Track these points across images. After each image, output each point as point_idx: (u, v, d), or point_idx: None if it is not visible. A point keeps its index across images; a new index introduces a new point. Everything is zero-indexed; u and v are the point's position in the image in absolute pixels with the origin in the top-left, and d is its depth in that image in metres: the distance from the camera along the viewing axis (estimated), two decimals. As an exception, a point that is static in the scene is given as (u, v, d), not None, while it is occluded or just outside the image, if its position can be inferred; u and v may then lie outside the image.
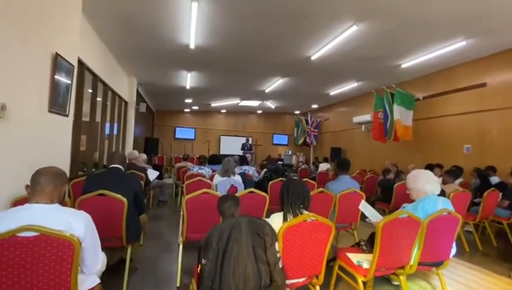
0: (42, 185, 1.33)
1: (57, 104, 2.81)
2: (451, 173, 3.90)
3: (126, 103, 7.27)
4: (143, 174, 3.98)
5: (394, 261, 1.93)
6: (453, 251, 2.14)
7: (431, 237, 1.97)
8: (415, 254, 1.98)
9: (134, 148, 6.95)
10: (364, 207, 2.29)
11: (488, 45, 4.89)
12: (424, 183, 2.12)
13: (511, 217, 3.63)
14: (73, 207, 2.06)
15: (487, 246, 3.67)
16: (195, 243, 1.49)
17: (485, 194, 3.60)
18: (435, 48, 5.08)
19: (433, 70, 6.38)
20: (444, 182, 3.80)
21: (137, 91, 8.02)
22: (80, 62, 3.81)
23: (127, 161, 4.43)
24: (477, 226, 3.93)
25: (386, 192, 4.43)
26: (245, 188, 3.16)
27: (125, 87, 7.20)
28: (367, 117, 8.29)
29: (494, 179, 4.49)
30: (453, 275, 2.71)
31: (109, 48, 5.41)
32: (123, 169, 2.56)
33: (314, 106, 11.94)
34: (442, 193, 2.93)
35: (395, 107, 6.37)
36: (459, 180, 4.58)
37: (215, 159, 5.44)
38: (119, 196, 2.15)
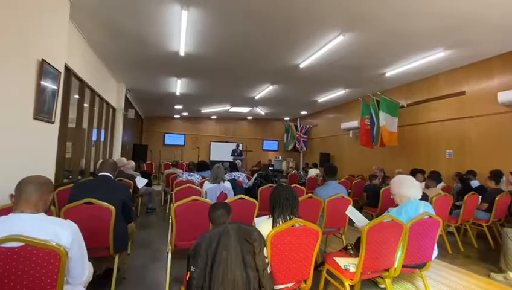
0: (27, 194, 1.32)
1: (42, 111, 2.77)
2: (433, 178, 4.05)
3: (114, 109, 7.17)
4: (131, 182, 3.92)
5: (379, 264, 1.99)
6: (435, 252, 2.22)
7: (413, 240, 2.05)
8: (399, 257, 2.05)
9: (122, 155, 6.84)
10: (351, 212, 2.36)
11: (465, 55, 5.16)
12: (407, 189, 2.21)
13: (489, 219, 3.78)
14: (59, 216, 2.02)
15: (468, 247, 3.81)
16: (185, 251, 1.50)
17: (465, 197, 3.75)
18: (416, 57, 5.31)
19: (415, 79, 6.64)
20: (426, 187, 3.93)
21: (126, 97, 7.93)
22: (67, 68, 3.76)
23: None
24: (459, 229, 4.08)
25: (373, 197, 4.53)
26: (235, 195, 3.17)
27: (114, 93, 7.11)
28: (354, 123, 8.50)
29: (475, 183, 4.68)
30: (437, 276, 2.80)
31: (98, 54, 5.36)
32: (113, 177, 2.53)
33: (303, 113, 12.13)
34: (425, 197, 3.05)
35: (381, 114, 6.57)
36: (442, 184, 4.75)
37: (204, 166, 5.42)
38: (106, 204, 2.13)
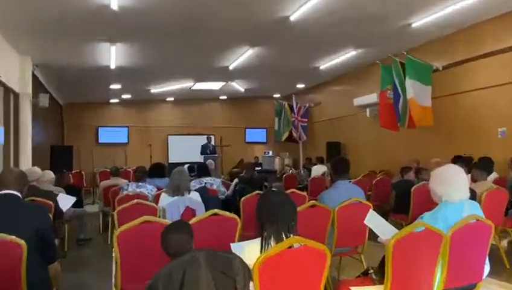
0: None
1: None
2: (482, 168, 4.21)
3: (16, 94, 6.95)
4: (51, 202, 3.86)
5: (412, 291, 2.08)
6: (487, 268, 2.34)
7: (457, 254, 2.14)
8: (438, 279, 2.14)
9: (34, 164, 6.68)
10: (372, 220, 2.42)
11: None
12: (443, 186, 2.28)
13: None
14: None
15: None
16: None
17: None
18: (454, -1, 5.42)
19: (454, 30, 6.79)
20: (473, 180, 4.09)
21: (35, 76, 7.71)
22: None
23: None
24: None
25: (404, 198, 4.61)
26: (207, 210, 3.18)
27: (15, 71, 6.88)
28: (372, 98, 8.67)
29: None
30: (490, 301, 2.96)
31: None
32: (21, 197, 2.47)
33: (300, 86, 12.24)
34: (472, 195, 3.18)
35: (408, 82, 6.71)
36: (494, 175, 4.95)
37: (159, 171, 5.40)
38: (13, 237, 2.07)
